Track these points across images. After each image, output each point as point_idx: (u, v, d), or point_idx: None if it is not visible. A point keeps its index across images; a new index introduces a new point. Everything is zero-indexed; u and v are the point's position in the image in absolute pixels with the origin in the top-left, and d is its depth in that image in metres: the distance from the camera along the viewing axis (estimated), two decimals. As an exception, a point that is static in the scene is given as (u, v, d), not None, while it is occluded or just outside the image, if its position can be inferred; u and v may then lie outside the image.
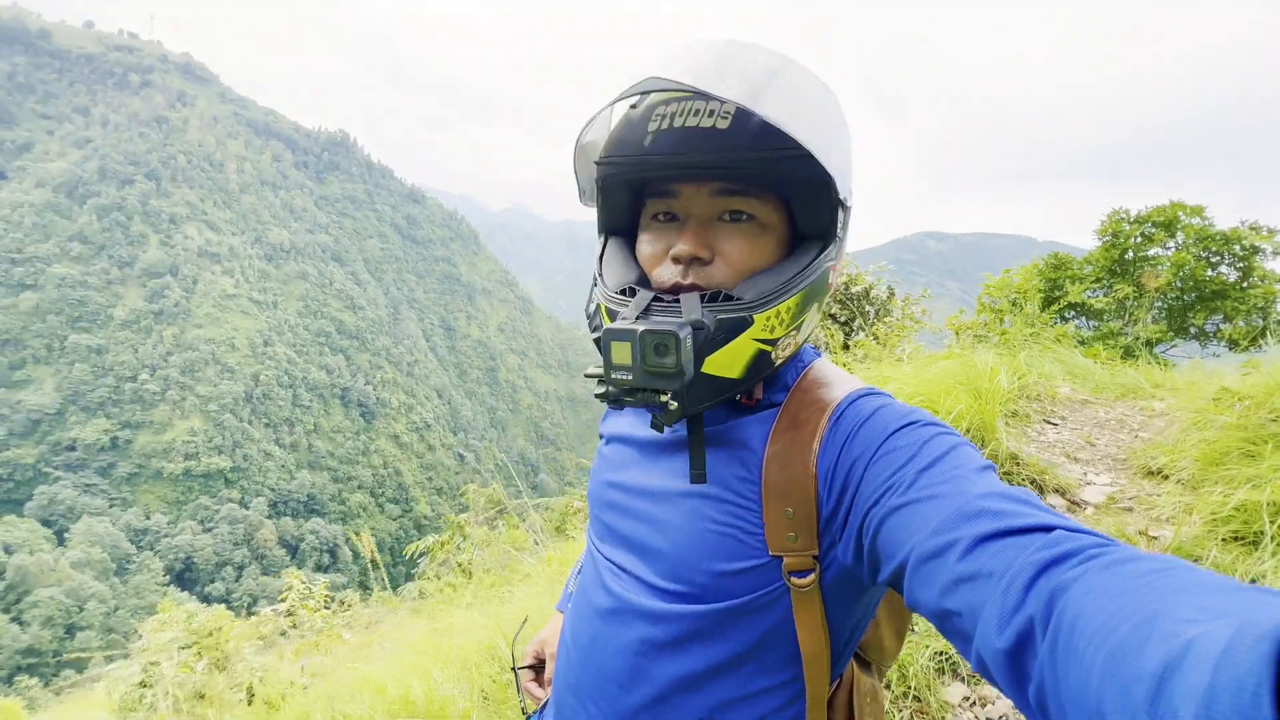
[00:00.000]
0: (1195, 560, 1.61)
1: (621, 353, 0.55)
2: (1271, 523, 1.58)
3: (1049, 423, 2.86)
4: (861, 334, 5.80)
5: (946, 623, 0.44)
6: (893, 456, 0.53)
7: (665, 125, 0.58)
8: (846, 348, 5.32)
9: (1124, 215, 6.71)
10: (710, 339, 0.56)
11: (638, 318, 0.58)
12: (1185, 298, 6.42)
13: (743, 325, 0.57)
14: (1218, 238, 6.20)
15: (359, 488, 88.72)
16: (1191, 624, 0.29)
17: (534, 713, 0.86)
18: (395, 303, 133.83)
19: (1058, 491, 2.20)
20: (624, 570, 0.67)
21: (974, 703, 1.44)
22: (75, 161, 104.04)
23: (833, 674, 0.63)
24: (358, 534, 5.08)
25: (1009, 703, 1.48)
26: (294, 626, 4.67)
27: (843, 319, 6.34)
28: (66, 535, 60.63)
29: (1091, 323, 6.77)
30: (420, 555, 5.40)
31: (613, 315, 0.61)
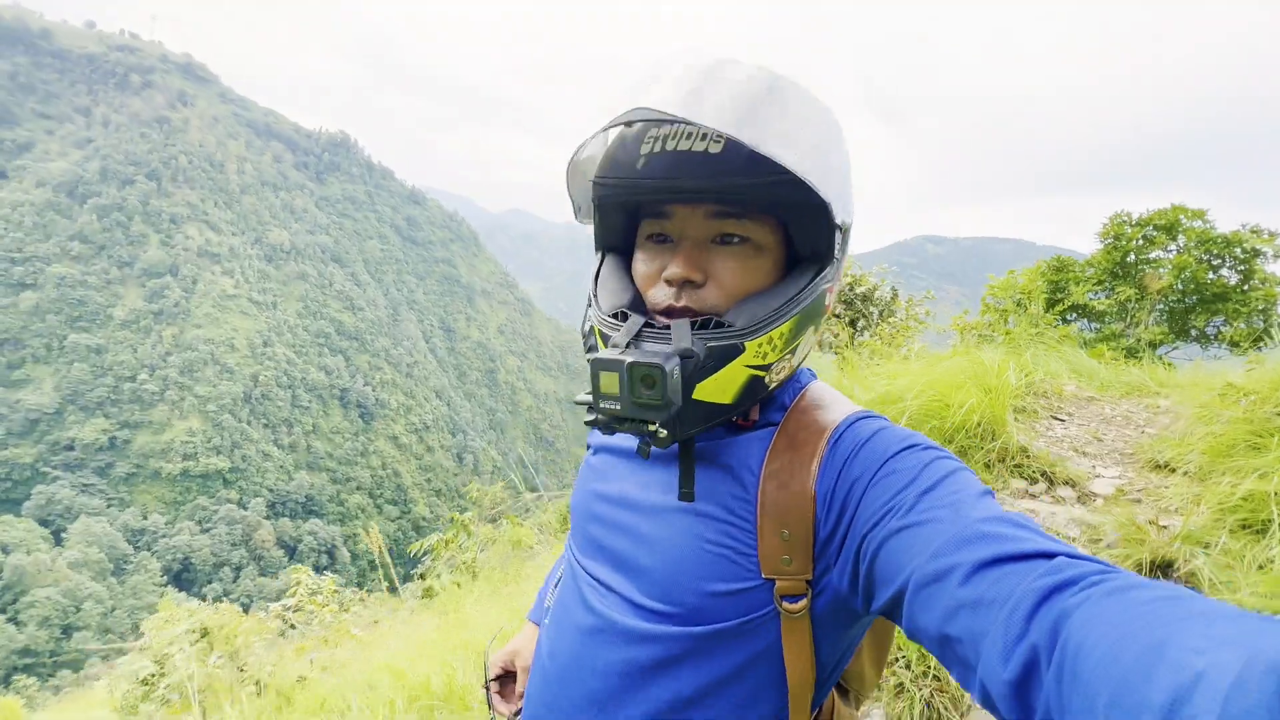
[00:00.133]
0: (1204, 547, 1.65)
1: (610, 382, 0.55)
2: (1279, 511, 1.62)
3: (1056, 419, 2.90)
4: (866, 334, 5.85)
5: (947, 650, 0.43)
6: (892, 479, 0.52)
7: (658, 148, 0.57)
8: (851, 345, 5.37)
9: (1125, 218, 6.77)
10: (700, 367, 0.56)
11: (629, 344, 0.58)
12: (1186, 300, 6.47)
13: (734, 352, 0.56)
14: (1219, 241, 6.26)
15: (357, 489, 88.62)
16: (1198, 654, 0.28)
17: None
18: (395, 304, 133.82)
19: (1068, 484, 2.24)
20: (607, 587, 0.66)
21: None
22: (76, 161, 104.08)
23: (814, 703, 0.62)
24: (367, 530, 5.12)
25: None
26: (305, 622, 4.70)
27: (848, 319, 6.39)
28: (64, 535, 60.49)
29: (1093, 325, 6.83)
30: (424, 554, 5.43)
31: (605, 339, 0.61)
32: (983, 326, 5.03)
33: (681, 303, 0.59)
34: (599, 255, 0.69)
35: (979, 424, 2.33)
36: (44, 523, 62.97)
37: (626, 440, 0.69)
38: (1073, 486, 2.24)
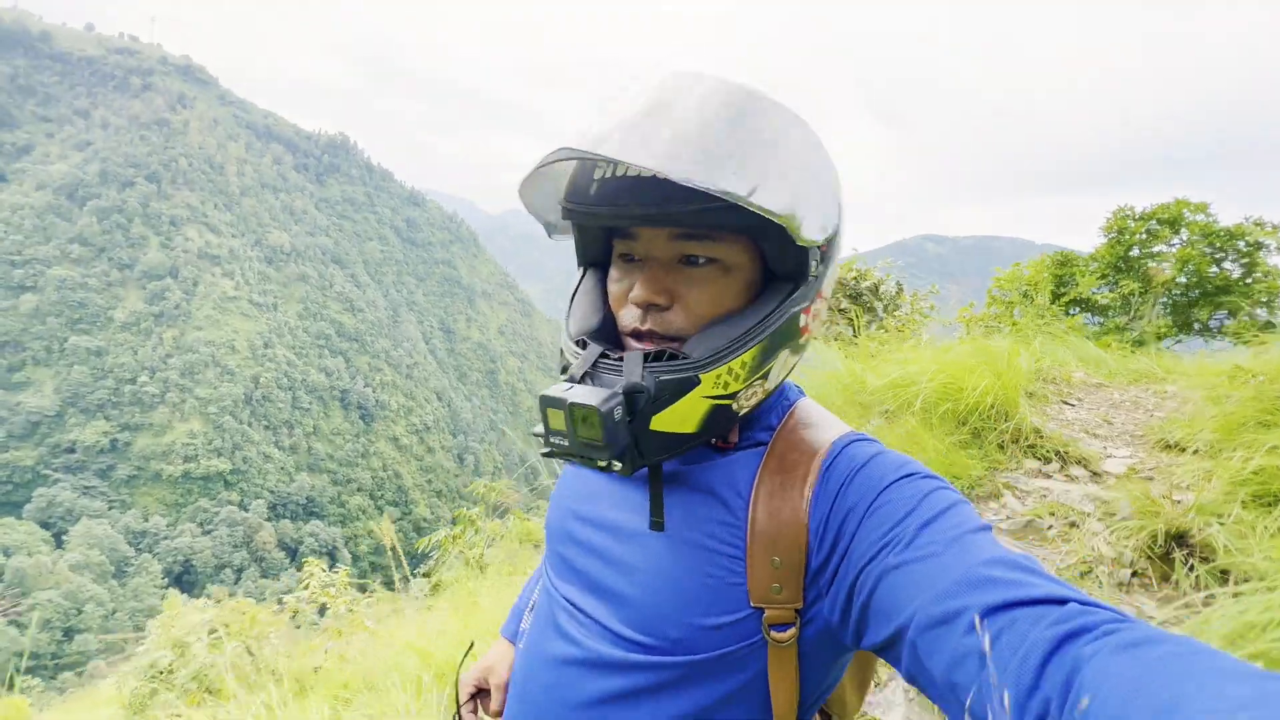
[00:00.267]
0: (1218, 519, 1.69)
1: (556, 419, 0.55)
2: (1291, 482, 1.67)
3: (1066, 403, 2.95)
4: (872, 327, 5.89)
5: (953, 696, 0.42)
6: (890, 509, 0.51)
7: (609, 174, 0.56)
8: (857, 338, 5.41)
9: (1129, 213, 6.82)
10: (654, 400, 0.54)
11: (583, 376, 0.57)
12: (1190, 294, 6.52)
13: (689, 385, 0.54)
14: (1222, 234, 6.30)
15: (358, 490, 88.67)
16: (1212, 715, 0.28)
17: None
18: (395, 305, 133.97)
19: (1080, 463, 2.28)
20: (585, 614, 0.63)
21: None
22: (76, 164, 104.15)
23: None
24: (377, 525, 5.15)
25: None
26: (319, 614, 4.74)
27: (851, 314, 6.44)
28: (65, 538, 60.51)
29: (1096, 319, 6.87)
30: (433, 549, 5.47)
31: (567, 368, 0.60)
32: (989, 318, 5.08)
33: (646, 326, 0.58)
34: (580, 271, 0.69)
35: (992, 406, 2.38)
36: (45, 525, 62.98)
37: None
38: (1085, 466, 2.28)
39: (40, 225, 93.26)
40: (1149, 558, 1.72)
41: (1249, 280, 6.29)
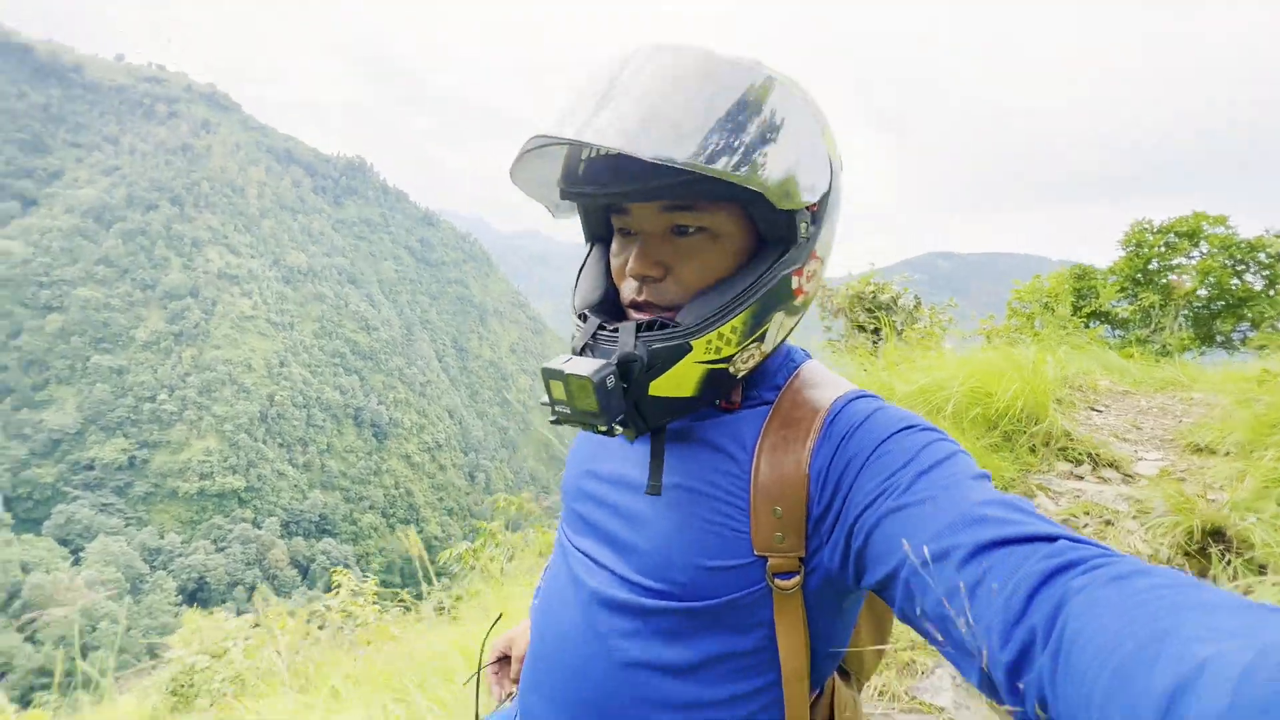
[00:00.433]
0: (1254, 515, 1.73)
1: (557, 390, 0.57)
2: (1325, 479, 1.70)
3: (1094, 410, 2.99)
4: (888, 342, 5.93)
5: (944, 631, 0.43)
6: (889, 459, 0.52)
7: (594, 153, 0.58)
8: (875, 353, 5.45)
9: (1147, 226, 6.85)
10: (648, 367, 0.56)
11: (584, 347, 0.60)
12: (1212, 306, 6.51)
13: (681, 352, 0.56)
14: (1242, 246, 6.31)
15: (370, 508, 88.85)
16: (1203, 643, 0.28)
17: (492, 713, 0.85)
18: (409, 324, 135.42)
19: (1112, 465, 2.32)
20: (597, 563, 0.65)
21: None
22: (104, 188, 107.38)
23: (813, 684, 0.62)
24: (405, 536, 5.23)
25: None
26: (346, 622, 4.81)
27: (871, 328, 6.49)
28: (82, 554, 61.08)
29: (1117, 331, 6.87)
30: (454, 563, 5.52)
31: (572, 339, 0.63)
32: (1010, 330, 5.11)
33: (643, 297, 0.60)
34: (587, 247, 0.71)
35: (1022, 409, 2.43)
36: (63, 542, 63.68)
37: None
38: (1116, 468, 2.32)
39: (68, 247, 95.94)
40: (1186, 554, 1.76)
41: (1272, 292, 6.27)
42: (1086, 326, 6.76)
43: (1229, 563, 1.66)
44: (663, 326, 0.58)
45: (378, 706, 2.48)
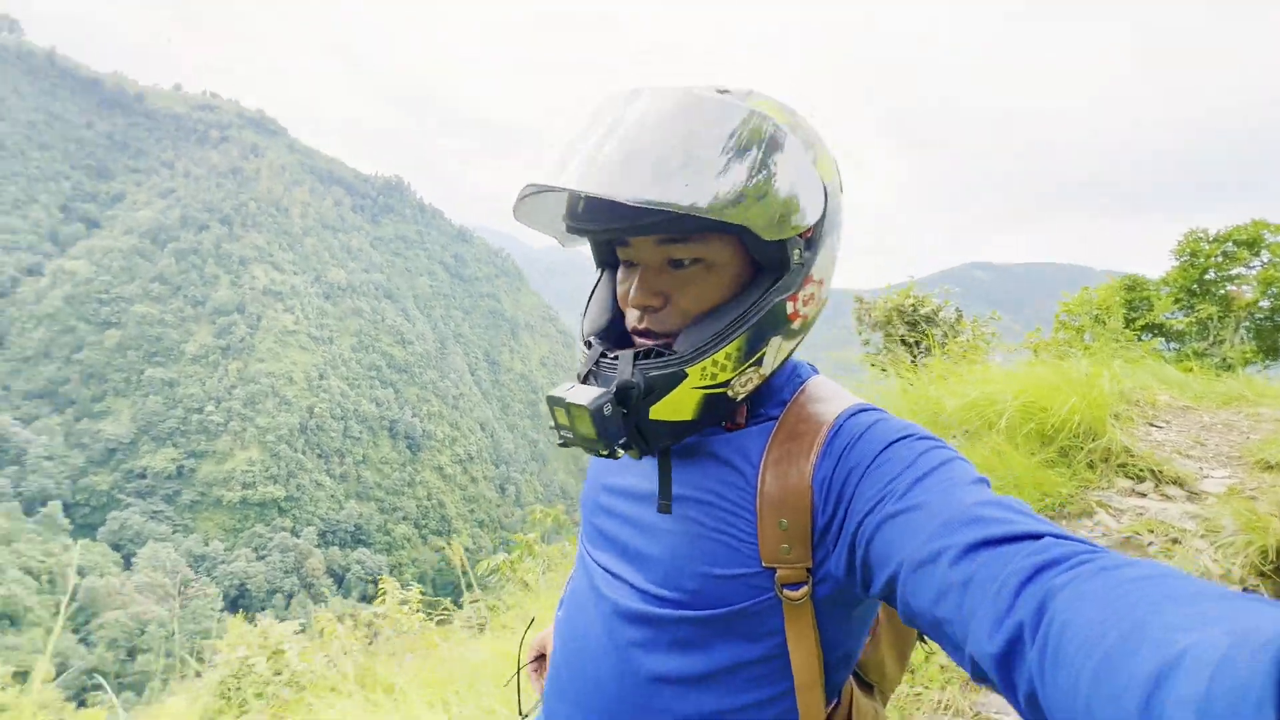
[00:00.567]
0: (1334, 535, 1.68)
1: (560, 416, 0.60)
2: None
3: (1153, 425, 2.90)
4: (929, 356, 5.84)
5: (939, 631, 0.44)
6: (887, 467, 0.54)
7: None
8: (914, 366, 5.37)
9: (1202, 235, 6.61)
10: (647, 393, 0.58)
11: (587, 374, 0.64)
12: (1275, 318, 6.22)
13: (677, 379, 0.58)
14: (1307, 255, 6.04)
15: (404, 519, 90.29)
16: (1184, 631, 0.28)
17: (526, 714, 0.88)
18: (443, 338, 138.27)
19: (1175, 482, 2.26)
20: (615, 576, 0.67)
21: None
22: (160, 210, 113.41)
23: (829, 694, 0.62)
24: (449, 543, 5.34)
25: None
26: (392, 630, 4.93)
27: (911, 341, 6.40)
28: (133, 559, 63.56)
29: (1171, 344, 6.61)
30: (491, 573, 5.61)
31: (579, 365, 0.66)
32: (1058, 344, 4.99)
33: (644, 325, 0.63)
34: (598, 273, 0.74)
35: (1079, 424, 2.39)
36: (116, 547, 66.43)
37: None
38: (1181, 485, 2.26)
39: (126, 266, 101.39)
40: (1260, 574, 1.71)
41: (1341, 303, 5.97)
42: (1139, 340, 6.53)
43: (1309, 584, 1.61)
44: (660, 355, 0.61)
45: (439, 706, 2.56)
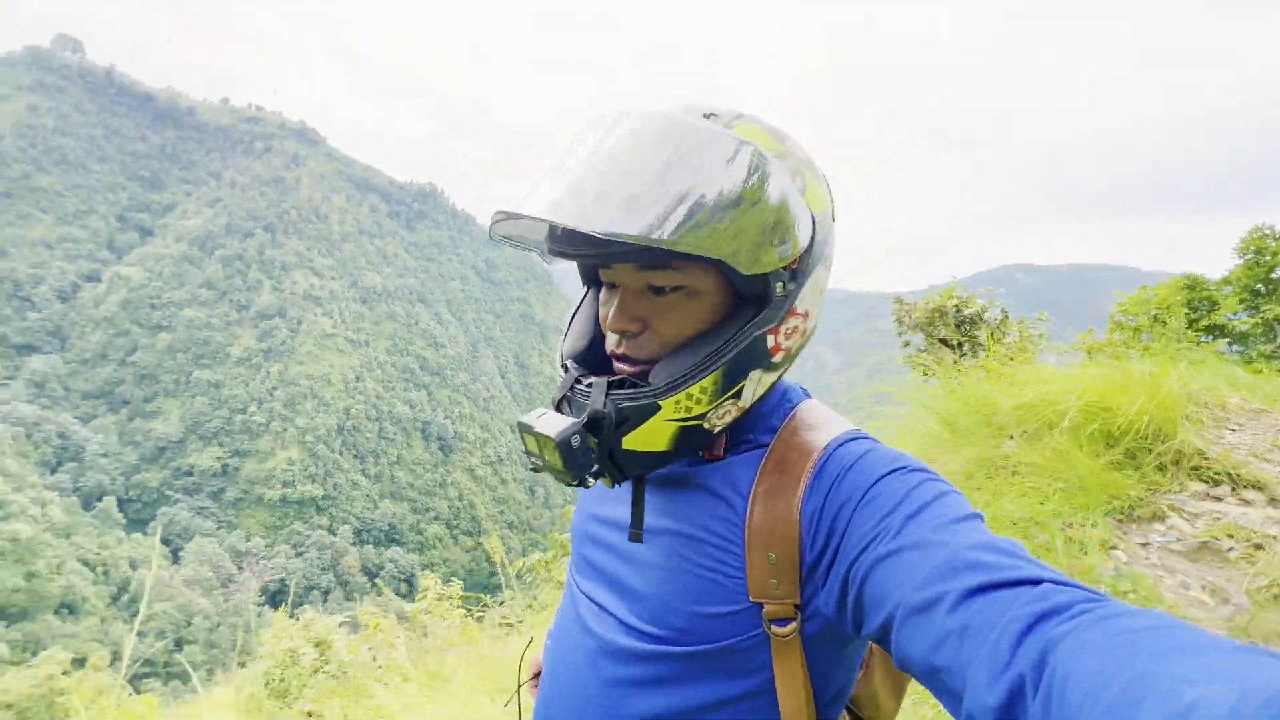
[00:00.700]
0: None
1: (530, 443, 0.59)
2: None
3: (1226, 428, 2.77)
4: (972, 357, 5.68)
5: (936, 680, 0.43)
6: (878, 503, 0.52)
7: None
8: (959, 369, 5.23)
9: (1267, 232, 6.28)
10: (619, 424, 0.57)
11: (561, 400, 0.63)
12: (1350, 318, 5.87)
13: (650, 411, 0.57)
14: (1385, 252, 5.68)
15: (435, 519, 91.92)
16: (1190, 685, 0.28)
17: None
18: (474, 341, 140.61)
19: (1255, 486, 2.15)
20: (603, 608, 0.66)
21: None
22: (208, 219, 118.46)
23: None
24: (489, 541, 5.42)
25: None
26: (434, 625, 5.02)
27: (955, 342, 6.25)
28: (181, 554, 66.17)
29: (1235, 347, 6.30)
30: (527, 572, 5.67)
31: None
32: (1114, 345, 4.80)
33: (621, 350, 0.62)
34: (584, 290, 0.73)
35: (1149, 425, 2.29)
36: (165, 541, 69.31)
37: None
38: (1260, 490, 2.15)
39: (177, 272, 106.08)
40: (1357, 582, 1.61)
41: None
42: (1198, 342, 6.23)
43: None
44: (634, 385, 0.60)
45: (496, 696, 2.60)
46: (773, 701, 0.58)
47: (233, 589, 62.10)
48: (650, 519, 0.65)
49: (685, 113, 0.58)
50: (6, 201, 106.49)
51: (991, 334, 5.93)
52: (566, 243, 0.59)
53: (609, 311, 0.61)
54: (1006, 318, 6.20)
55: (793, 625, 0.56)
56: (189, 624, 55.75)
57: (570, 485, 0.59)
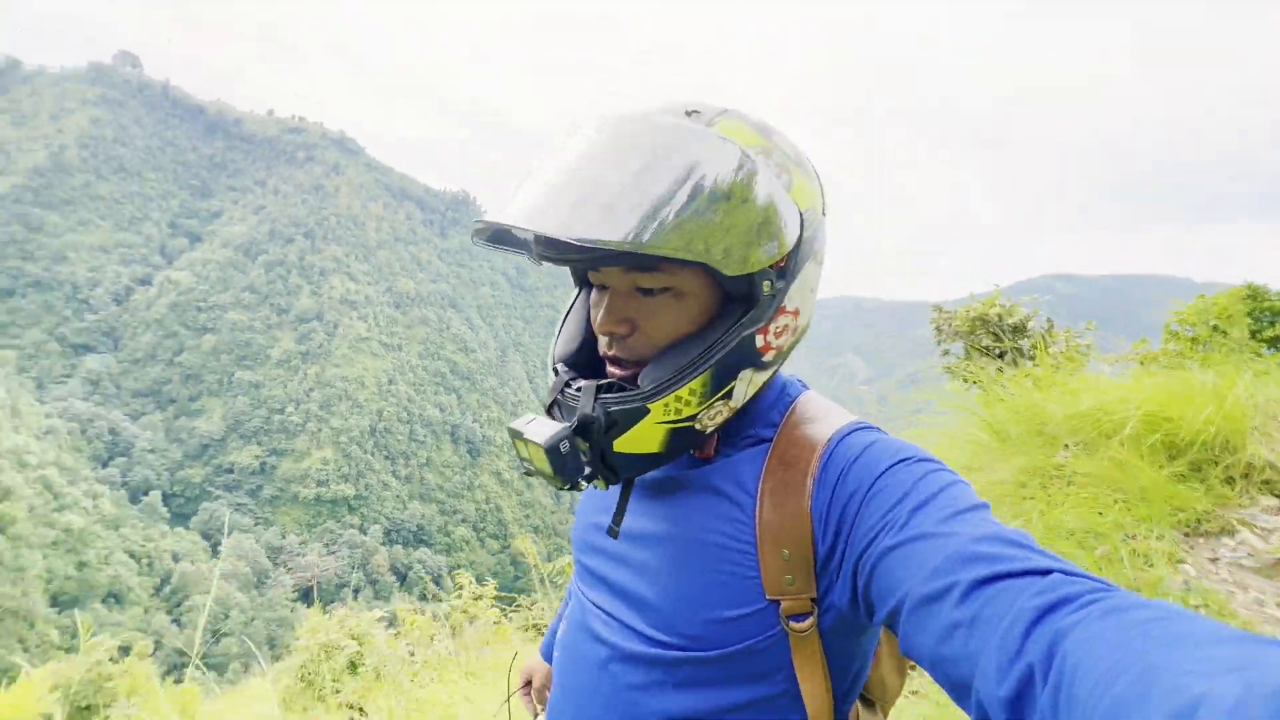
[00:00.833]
0: None
1: (520, 448, 0.59)
2: None
3: (1298, 442, 2.64)
4: (1016, 367, 5.53)
5: (944, 670, 0.43)
6: (885, 495, 0.52)
7: None
8: (1001, 380, 5.09)
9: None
10: (609, 428, 0.57)
11: (551, 404, 0.63)
12: None
13: (638, 414, 0.57)
14: None
15: (463, 521, 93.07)
16: (1196, 677, 0.28)
17: None
18: (503, 346, 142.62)
19: (1334, 503, 2.05)
20: (613, 617, 0.65)
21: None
22: (252, 225, 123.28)
23: (837, 717, 0.61)
24: (523, 542, 5.48)
25: None
26: (469, 623, 5.10)
27: (997, 351, 6.09)
28: (220, 548, 68.30)
29: (1300, 361, 5.97)
30: (558, 574, 5.72)
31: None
32: (1170, 355, 4.62)
33: (612, 351, 0.62)
34: (576, 291, 0.72)
35: (1215, 436, 2.21)
36: (205, 536, 71.71)
37: None
38: (1341, 507, 2.04)
39: (222, 277, 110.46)
40: None
41: None
42: (1259, 353, 5.93)
43: None
44: (622, 389, 0.60)
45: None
46: (794, 699, 0.58)
47: (267, 584, 63.86)
48: (653, 525, 0.64)
49: (667, 112, 0.57)
50: (69, 209, 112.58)
51: (1037, 343, 5.76)
52: (552, 247, 0.58)
53: (598, 314, 0.61)
54: (1052, 327, 6.02)
55: (810, 620, 0.56)
56: (226, 616, 57.46)
57: (561, 489, 0.59)
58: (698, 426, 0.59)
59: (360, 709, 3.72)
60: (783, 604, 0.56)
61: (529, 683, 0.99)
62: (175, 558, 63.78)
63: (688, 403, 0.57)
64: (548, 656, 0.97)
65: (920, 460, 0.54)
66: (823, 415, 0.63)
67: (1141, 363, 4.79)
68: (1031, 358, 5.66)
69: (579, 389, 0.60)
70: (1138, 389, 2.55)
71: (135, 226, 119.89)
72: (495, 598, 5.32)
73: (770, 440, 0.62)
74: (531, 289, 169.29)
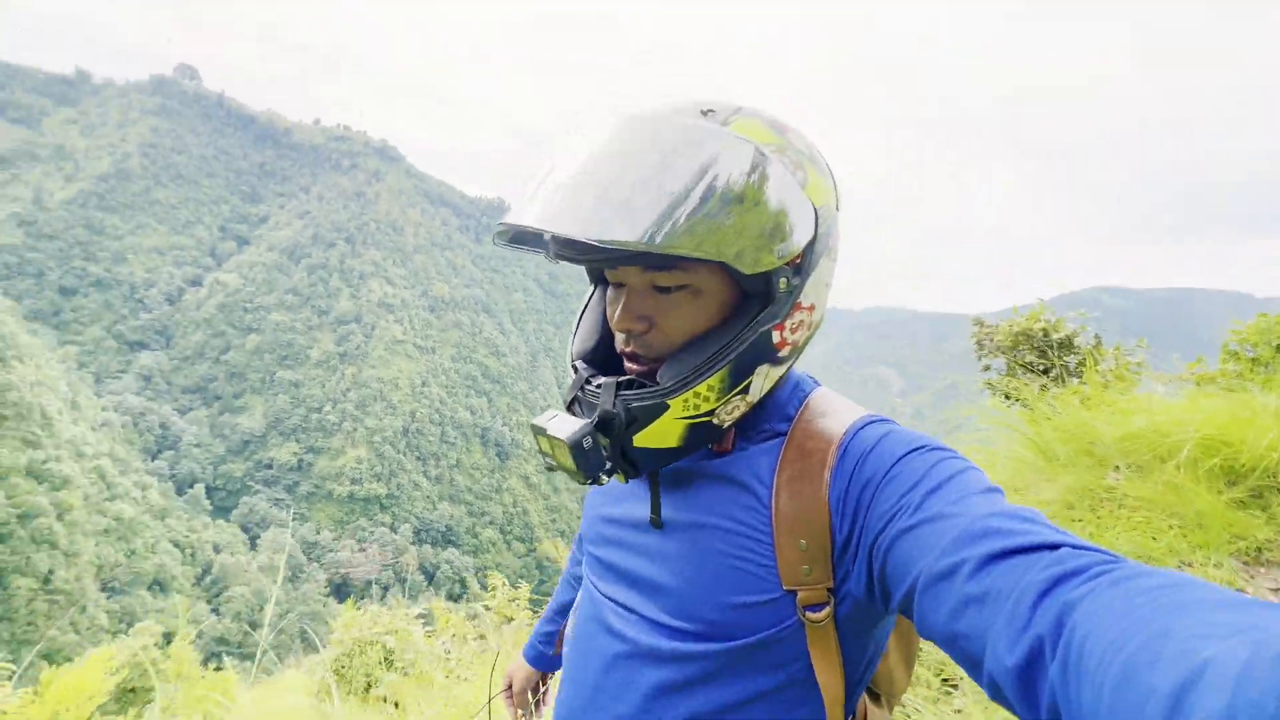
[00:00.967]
0: None
1: (543, 444, 0.60)
2: None
3: (1370, 470, 2.51)
4: (1063, 384, 5.37)
5: (957, 646, 0.43)
6: (900, 481, 0.53)
7: None
8: (1046, 397, 4.95)
9: None
10: (629, 424, 0.58)
11: (572, 401, 0.64)
12: None
13: (658, 410, 0.57)
14: None
15: (490, 523, 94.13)
16: (1205, 641, 0.28)
17: None
18: (534, 351, 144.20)
19: None
20: (629, 609, 0.65)
21: None
22: (297, 230, 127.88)
23: (847, 710, 0.61)
24: (555, 545, 5.55)
25: None
26: (502, 624, 5.18)
27: (1041, 368, 5.93)
28: (258, 541, 70.59)
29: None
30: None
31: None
32: (1228, 376, 4.42)
33: (630, 348, 0.62)
34: (591, 289, 0.73)
35: (1279, 463, 2.12)
36: (245, 529, 74.22)
37: None
38: None
39: (267, 279, 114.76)
40: None
41: None
42: (1327, 376, 5.60)
43: None
44: (641, 385, 0.60)
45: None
46: (807, 691, 0.59)
47: (302, 578, 65.62)
48: (669, 512, 0.65)
49: (682, 111, 0.58)
50: (129, 213, 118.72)
51: (1085, 360, 5.58)
52: (570, 247, 0.58)
53: (615, 311, 0.62)
54: (1100, 343, 5.83)
55: (826, 610, 0.56)
56: (262, 608, 59.19)
57: (583, 484, 0.59)
58: (715, 421, 0.60)
59: (396, 704, 3.81)
60: (800, 594, 0.57)
61: (509, 686, 1.00)
62: (216, 549, 66.06)
63: (706, 398, 0.58)
64: (531, 659, 0.98)
65: (935, 449, 0.55)
66: (837, 409, 0.64)
67: (1198, 383, 4.59)
68: (1078, 375, 5.49)
69: (599, 386, 0.61)
70: (1195, 410, 2.47)
71: (189, 230, 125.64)
72: (530, 600, 5.38)
73: (785, 434, 0.63)
74: (563, 295, 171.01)
